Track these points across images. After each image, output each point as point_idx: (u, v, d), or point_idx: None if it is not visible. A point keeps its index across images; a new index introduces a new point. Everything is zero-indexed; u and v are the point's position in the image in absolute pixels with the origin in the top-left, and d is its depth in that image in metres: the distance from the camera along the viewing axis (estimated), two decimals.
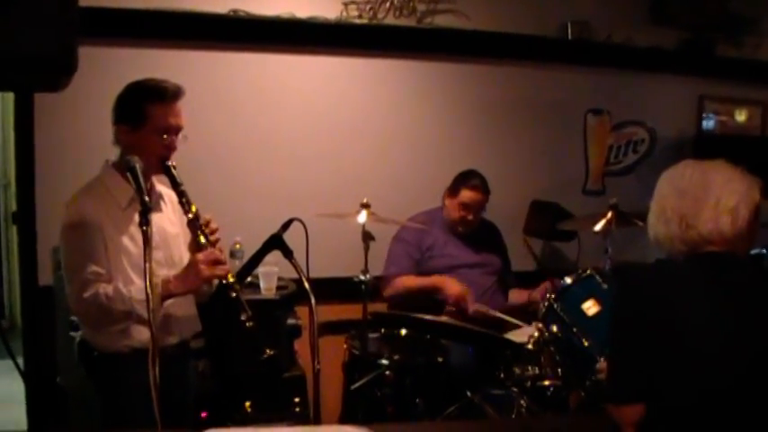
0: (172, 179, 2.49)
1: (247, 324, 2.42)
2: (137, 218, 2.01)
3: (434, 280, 3.74)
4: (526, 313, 3.69)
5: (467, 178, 3.83)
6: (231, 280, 2.46)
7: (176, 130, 2.49)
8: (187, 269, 2.45)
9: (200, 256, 2.43)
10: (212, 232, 2.50)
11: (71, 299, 2.41)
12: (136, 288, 2.36)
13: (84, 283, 2.36)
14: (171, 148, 2.49)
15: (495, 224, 4.08)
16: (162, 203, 2.62)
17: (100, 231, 2.39)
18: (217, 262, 2.43)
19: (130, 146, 2.43)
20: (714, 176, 1.84)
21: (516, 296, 3.96)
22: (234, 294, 2.44)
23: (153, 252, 2.36)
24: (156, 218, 2.47)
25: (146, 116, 2.43)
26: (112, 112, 2.50)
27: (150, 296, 1.88)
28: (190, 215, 2.47)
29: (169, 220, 2.63)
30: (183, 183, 2.50)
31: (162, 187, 2.63)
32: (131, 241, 2.43)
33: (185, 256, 2.57)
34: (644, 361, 1.78)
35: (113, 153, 2.52)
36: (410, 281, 3.77)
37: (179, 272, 2.46)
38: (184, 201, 2.48)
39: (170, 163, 2.49)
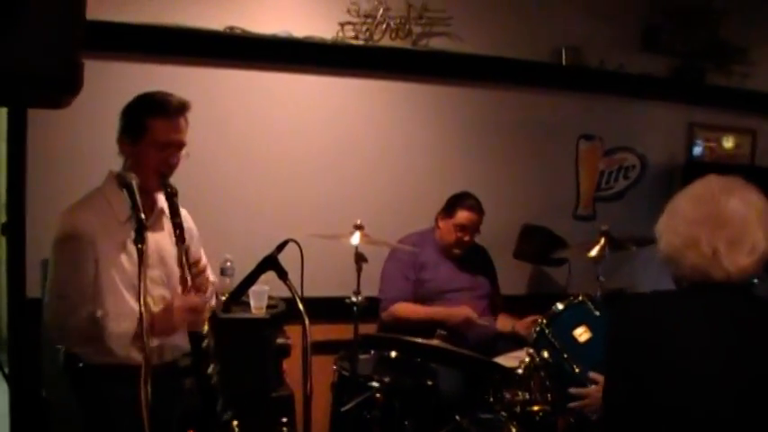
0: (171, 207, 2.42)
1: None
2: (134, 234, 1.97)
3: (435, 313, 3.67)
4: (515, 340, 3.69)
5: (462, 199, 3.83)
6: (205, 328, 2.44)
7: (178, 145, 2.43)
8: (162, 314, 2.38)
9: (177, 302, 2.38)
10: (198, 273, 2.45)
11: (48, 310, 2.35)
12: (114, 318, 2.31)
13: (65, 299, 2.31)
14: (171, 165, 2.43)
15: (483, 247, 4.07)
16: (164, 221, 2.53)
17: (92, 245, 2.32)
18: (193, 310, 2.39)
19: (130, 159, 2.41)
20: (752, 212, 1.77)
21: (502, 323, 3.93)
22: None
23: (149, 270, 2.33)
24: (156, 236, 2.44)
25: (145, 129, 2.38)
26: (118, 122, 2.46)
27: (144, 315, 1.87)
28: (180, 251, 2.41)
29: (170, 238, 2.55)
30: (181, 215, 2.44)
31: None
32: (127, 257, 2.37)
33: None
34: (641, 395, 1.75)
35: (116, 164, 2.47)
36: (410, 311, 3.70)
37: (156, 312, 2.39)
38: (178, 233, 2.41)
39: (170, 190, 2.42)
